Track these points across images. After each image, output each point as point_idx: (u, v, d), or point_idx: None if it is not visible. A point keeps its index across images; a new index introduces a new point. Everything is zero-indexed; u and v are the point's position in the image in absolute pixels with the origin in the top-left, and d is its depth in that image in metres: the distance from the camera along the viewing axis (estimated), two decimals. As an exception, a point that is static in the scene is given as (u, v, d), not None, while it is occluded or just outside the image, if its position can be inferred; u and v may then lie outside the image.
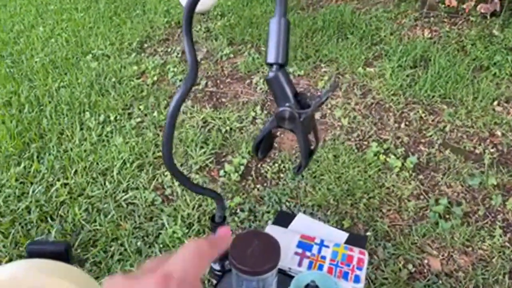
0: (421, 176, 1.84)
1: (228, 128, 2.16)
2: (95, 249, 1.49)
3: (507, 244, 1.52)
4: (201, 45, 2.94)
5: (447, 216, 1.63)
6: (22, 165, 1.86)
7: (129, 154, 1.94)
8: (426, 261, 1.48)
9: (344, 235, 0.80)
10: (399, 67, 2.50)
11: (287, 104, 0.51)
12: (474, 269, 1.44)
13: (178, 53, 2.84)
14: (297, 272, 0.72)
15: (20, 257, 1.47)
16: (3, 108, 2.28)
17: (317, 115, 2.24)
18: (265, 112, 2.29)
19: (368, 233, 1.58)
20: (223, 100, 2.41)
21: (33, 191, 1.72)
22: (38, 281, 0.26)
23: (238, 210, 1.69)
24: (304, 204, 1.71)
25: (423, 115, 2.19)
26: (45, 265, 0.28)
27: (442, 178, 1.81)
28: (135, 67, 2.68)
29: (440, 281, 1.40)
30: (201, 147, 2.01)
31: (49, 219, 1.61)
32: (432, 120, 2.16)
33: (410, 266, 1.45)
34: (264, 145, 0.56)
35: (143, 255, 1.48)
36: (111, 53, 2.85)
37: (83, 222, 1.59)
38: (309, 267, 0.72)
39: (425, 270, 1.46)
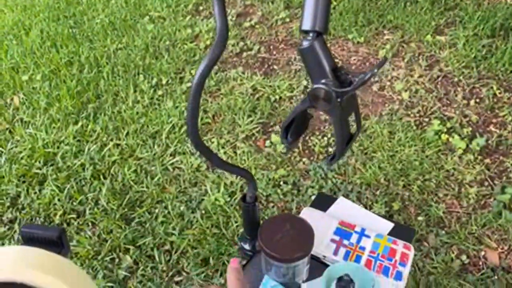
0: (487, 160, 1.65)
1: (277, 97, 2.09)
2: (141, 209, 1.54)
3: None
4: (256, 8, 2.83)
5: (514, 207, 1.46)
6: (80, 123, 1.95)
7: (178, 119, 1.96)
8: (482, 253, 1.35)
9: (389, 225, 0.72)
10: (474, 36, 2.22)
11: (323, 81, 0.43)
12: (540, 268, 1.29)
13: (232, 16, 2.76)
14: (332, 261, 0.67)
15: (72, 210, 1.57)
16: (65, 67, 2.38)
17: (375, 87, 2.09)
18: (318, 81, 2.18)
19: (420, 218, 1.47)
20: (275, 67, 2.33)
21: (88, 150, 1.80)
22: (24, 276, 0.24)
23: (282, 183, 1.65)
24: (352, 182, 1.63)
25: (497, 91, 1.95)
26: (35, 257, 0.26)
27: (512, 164, 1.62)
28: (189, 30, 2.66)
29: (496, 276, 1.28)
30: (249, 116, 1.97)
31: (101, 177, 1.69)
32: (508, 98, 1.92)
33: (464, 257, 1.34)
34: (295, 128, 0.49)
35: (185, 219, 1.50)
36: (167, 15, 2.84)
37: (132, 183, 1.65)
38: (346, 257, 0.66)
39: (480, 263, 1.33)
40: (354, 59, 2.29)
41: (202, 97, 2.13)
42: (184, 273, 1.38)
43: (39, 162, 1.76)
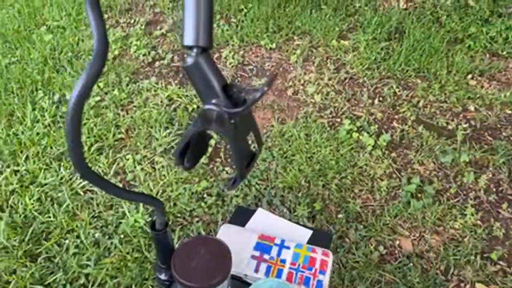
0: (394, 154, 1.79)
1: (195, 106, 2.03)
2: (48, 242, 1.38)
3: (478, 222, 1.50)
4: (166, 16, 2.75)
5: (419, 195, 1.60)
6: (-34, 151, 1.69)
7: (87, 137, 1.80)
8: (397, 242, 1.45)
9: (308, 233, 0.72)
10: (373, 39, 2.41)
11: (214, 101, 0.40)
12: (446, 249, 1.42)
13: (142, 25, 2.64)
14: (253, 279, 0.64)
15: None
16: None
17: (289, 92, 2.15)
18: (235, 88, 2.17)
19: (340, 216, 1.53)
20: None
21: (-22, 181, 1.57)
22: None
23: (205, 195, 1.60)
24: (275, 186, 1.64)
25: (397, 90, 2.13)
26: None
27: (414, 156, 1.77)
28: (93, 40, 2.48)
29: (411, 263, 1.38)
30: (166, 128, 1.89)
31: (-3, 210, 1.48)
32: (406, 96, 2.10)
33: (381, 248, 1.42)
34: (192, 151, 0.45)
35: (101, 247, 1.38)
36: (68, 25, 2.62)
37: (35, 213, 1.47)
38: (267, 272, 0.64)
39: (396, 252, 1.43)
40: (268, 65, 2.33)
41: (112, 111, 1.99)
42: (104, 307, 1.26)
43: None
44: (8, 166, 1.65)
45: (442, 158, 1.73)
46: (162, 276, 0.64)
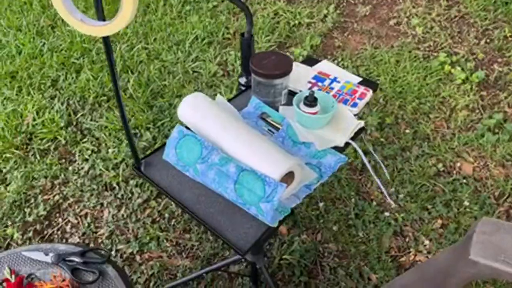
0: (483, 92, 1.76)
1: (297, 22, 2.20)
2: (162, 99, 1.75)
3: (552, 165, 1.46)
4: None
5: (497, 131, 1.59)
6: (113, 26, 2.14)
7: (202, 31, 2.12)
8: (458, 165, 1.51)
9: (359, 79, 0.89)
10: (499, -20, 2.23)
11: None
12: (506, 180, 1.44)
13: None
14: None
15: (104, 95, 1.79)
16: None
17: (392, 22, 2.17)
18: (338, 12, 2.27)
19: (407, 131, 1.62)
20: (299, -5, 2.42)
21: (119, 49, 2.00)
22: None
23: (289, 92, 1.81)
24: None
25: (508, 34, 2.00)
26: None
27: (506, 98, 1.72)
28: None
29: (466, 182, 1.44)
30: (267, 35, 2.11)
31: (129, 71, 1.90)
32: (518, 41, 1.97)
33: (440, 165, 1.50)
34: None
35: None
36: None
37: (155, 78, 1.85)
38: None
39: (455, 172, 1.49)
40: (376, -6, 2.35)
41: (225, 15, 2.27)
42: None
43: (77, 53, 1.98)
44: (140, 42, 2.05)
45: (536, 104, 1.66)
46: (242, 80, 0.88)
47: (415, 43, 2.03)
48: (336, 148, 0.73)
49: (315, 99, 0.76)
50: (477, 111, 1.69)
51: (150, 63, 1.94)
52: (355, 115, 0.79)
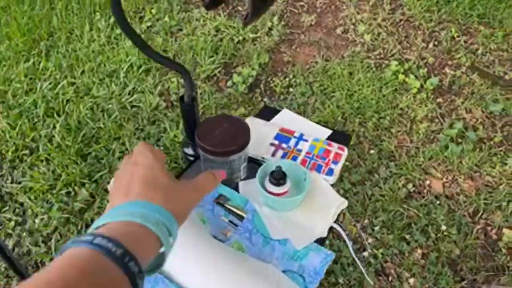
0: (440, 99, 1.72)
1: (241, 38, 2.04)
2: (98, 145, 1.52)
3: (519, 172, 1.43)
4: None
5: (459, 141, 1.54)
6: (31, 61, 1.85)
7: (137, 58, 1.89)
8: (428, 182, 1.44)
9: (328, 132, 0.74)
10: (437, -20, 2.22)
11: None
12: (478, 194, 1.38)
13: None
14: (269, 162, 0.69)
15: (25, 147, 1.52)
16: (15, 4, 2.22)
17: (339, 30, 2.08)
18: (283, 23, 2.14)
19: (372, 151, 1.52)
20: (239, 8, 2.26)
21: (40, 87, 1.73)
22: None
23: (242, 120, 1.65)
24: (310, 120, 1.65)
25: (455, 35, 1.99)
26: None
27: (462, 103, 1.69)
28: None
29: (438, 202, 1.37)
30: (211, 56, 1.93)
31: (55, 114, 1.64)
32: (465, 41, 1.96)
33: (410, 186, 1.41)
34: None
35: (143, 154, 1.50)
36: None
37: (87, 120, 1.61)
38: (283, 157, 0.68)
39: (425, 191, 1.42)
40: (320, 2, 2.25)
41: (162, 37, 2.06)
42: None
43: (-12, 99, 1.68)
44: (65, 77, 1.79)
45: (492, 107, 1.64)
46: (189, 151, 0.71)
47: (365, 52, 1.95)
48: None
49: (284, 175, 0.60)
50: (436, 120, 1.64)
51: (79, 101, 1.69)
52: (332, 185, 0.65)
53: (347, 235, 0.68)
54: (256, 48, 1.99)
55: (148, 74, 1.86)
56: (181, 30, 2.11)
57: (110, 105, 1.68)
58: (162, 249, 0.36)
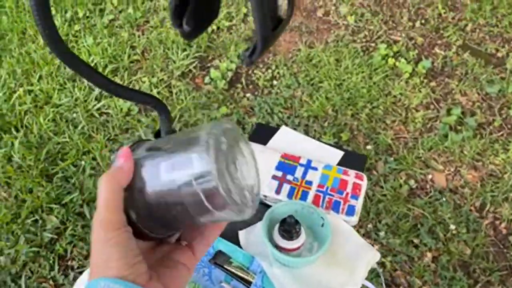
0: (433, 83, 1.62)
1: (215, 27, 1.87)
2: (64, 162, 1.34)
3: (523, 159, 1.36)
4: None
5: (459, 128, 1.45)
6: (-21, 69, 1.63)
7: (101, 57, 1.70)
8: (430, 177, 1.34)
9: (339, 154, 0.61)
10: (419, -48, 2.09)
11: None
12: (483, 185, 1.30)
13: None
14: (274, 201, 0.56)
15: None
16: (-45, 3, 1.96)
17: (319, 12, 1.93)
18: (259, 8, 1.97)
19: (368, 147, 1.42)
20: None
21: (-8, 99, 1.52)
22: None
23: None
24: (299, 115, 1.53)
25: (442, 11, 1.88)
26: None
27: (457, 85, 1.59)
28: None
29: (444, 198, 1.28)
30: (184, 50, 1.76)
31: (12, 130, 1.44)
32: (452, 18, 1.86)
33: (412, 182, 1.32)
34: (194, 10, 0.32)
35: (117, 169, 1.33)
36: None
37: (50, 134, 1.42)
38: (290, 194, 0.55)
39: (428, 186, 1.33)
40: (297, -18, 2.09)
41: (127, 31, 1.86)
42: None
43: None
44: (21, 85, 1.59)
45: (488, 88, 1.55)
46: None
47: (349, 35, 1.82)
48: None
49: (297, 224, 0.47)
50: (432, 107, 1.54)
51: (39, 112, 1.50)
52: (354, 226, 0.52)
53: None
54: (232, 38, 1.83)
55: (116, 74, 1.68)
56: (147, 22, 1.91)
57: (75, 114, 1.50)
58: None
